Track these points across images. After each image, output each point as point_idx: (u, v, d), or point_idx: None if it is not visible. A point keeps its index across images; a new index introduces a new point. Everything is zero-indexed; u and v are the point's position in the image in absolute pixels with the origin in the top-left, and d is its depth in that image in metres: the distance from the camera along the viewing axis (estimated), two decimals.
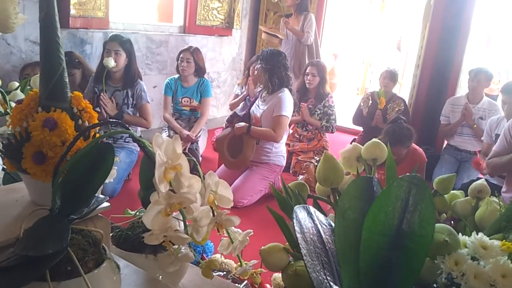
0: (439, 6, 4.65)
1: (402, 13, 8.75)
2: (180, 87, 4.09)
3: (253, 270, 1.10)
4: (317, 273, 0.47)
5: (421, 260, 0.47)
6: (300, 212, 0.56)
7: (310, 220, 0.55)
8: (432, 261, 0.66)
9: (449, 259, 0.64)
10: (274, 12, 5.84)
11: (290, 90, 3.49)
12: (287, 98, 3.39)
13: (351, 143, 4.44)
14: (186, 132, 3.90)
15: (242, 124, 3.45)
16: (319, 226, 0.55)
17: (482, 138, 3.67)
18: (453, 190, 1.23)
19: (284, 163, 3.61)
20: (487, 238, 0.67)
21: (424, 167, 3.41)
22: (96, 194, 0.87)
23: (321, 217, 0.58)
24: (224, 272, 1.81)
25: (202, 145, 4.22)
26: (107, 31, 4.05)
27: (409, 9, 8.27)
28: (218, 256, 1.87)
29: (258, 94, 3.63)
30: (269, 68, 3.35)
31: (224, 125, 4.01)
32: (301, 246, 0.50)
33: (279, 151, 3.55)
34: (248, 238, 1.07)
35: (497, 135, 3.18)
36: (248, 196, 3.34)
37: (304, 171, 4.00)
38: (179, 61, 4.00)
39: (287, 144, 4.40)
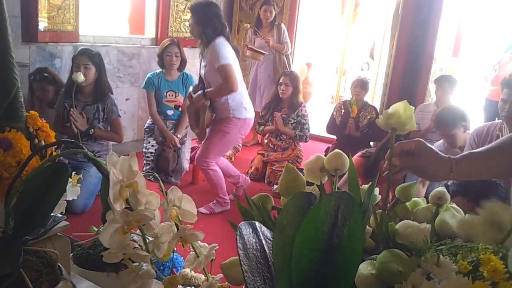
0: (406, 15, 4.76)
1: (374, 22, 8.92)
2: (164, 81, 4.01)
3: (220, 284, 1.11)
4: None
5: (352, 273, 0.48)
6: (244, 229, 0.57)
7: (254, 236, 0.56)
8: None
9: (406, 285, 0.65)
10: (248, 24, 5.88)
11: (227, 38, 3.27)
12: (222, 45, 3.16)
13: (325, 151, 4.48)
14: (174, 137, 3.91)
15: (198, 93, 3.30)
16: (263, 241, 0.56)
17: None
18: (425, 196, 1.26)
19: (247, 115, 3.39)
20: (441, 256, 0.69)
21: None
22: (53, 213, 0.86)
23: (267, 232, 0.59)
24: (193, 287, 1.79)
25: (188, 149, 4.22)
26: (77, 44, 4.01)
27: (380, 19, 8.44)
28: (187, 270, 1.85)
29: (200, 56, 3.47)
30: (201, 19, 3.20)
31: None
32: (242, 263, 0.51)
33: (238, 103, 3.33)
34: (214, 252, 1.07)
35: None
36: (210, 156, 3.30)
37: (279, 181, 4.01)
38: (164, 56, 3.92)
39: (261, 154, 4.43)
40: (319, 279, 0.45)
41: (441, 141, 3.37)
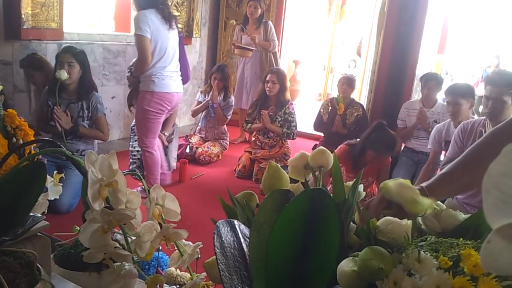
0: (392, 13, 4.79)
1: (361, 19, 8.96)
2: None
3: (205, 282, 1.10)
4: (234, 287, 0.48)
5: (328, 270, 0.48)
6: (222, 227, 0.57)
7: (232, 234, 0.56)
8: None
9: (388, 282, 0.65)
10: (234, 20, 5.87)
11: (161, 10, 3.12)
12: (142, 16, 3.04)
13: (312, 148, 4.48)
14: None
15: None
16: (242, 240, 0.56)
17: (428, 146, 3.53)
18: None
19: (155, 88, 3.23)
20: (422, 252, 0.69)
21: (388, 169, 3.48)
22: (33, 213, 0.84)
23: (246, 231, 0.58)
24: (178, 286, 1.77)
25: (175, 148, 4.21)
26: (61, 42, 3.96)
27: (367, 16, 8.48)
28: (173, 269, 1.83)
29: None
30: None
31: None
32: (218, 262, 0.51)
33: (146, 76, 3.20)
34: (198, 250, 1.06)
35: (448, 142, 3.06)
36: (141, 135, 3.37)
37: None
38: None
39: (249, 152, 4.42)
40: (295, 277, 0.45)
41: (441, 124, 3.49)
